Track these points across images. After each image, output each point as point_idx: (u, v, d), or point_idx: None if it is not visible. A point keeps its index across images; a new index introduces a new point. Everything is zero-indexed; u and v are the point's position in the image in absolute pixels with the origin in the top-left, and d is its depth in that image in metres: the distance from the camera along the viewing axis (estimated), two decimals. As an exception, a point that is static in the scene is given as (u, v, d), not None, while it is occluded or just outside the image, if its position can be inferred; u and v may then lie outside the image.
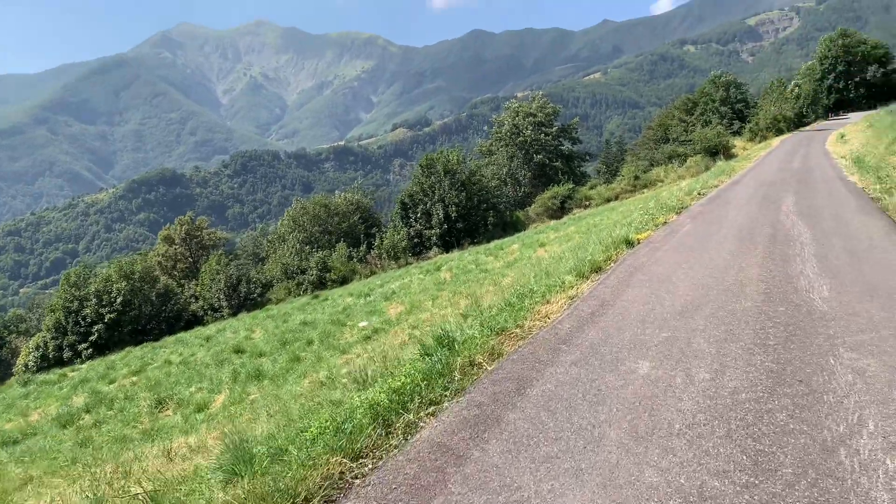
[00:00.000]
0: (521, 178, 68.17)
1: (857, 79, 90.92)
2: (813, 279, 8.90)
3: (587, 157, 78.13)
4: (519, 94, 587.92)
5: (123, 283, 45.89)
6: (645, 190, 52.80)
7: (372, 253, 53.01)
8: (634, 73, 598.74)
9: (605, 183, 68.88)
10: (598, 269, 11.16)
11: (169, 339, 32.38)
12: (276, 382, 12.83)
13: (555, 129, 68.55)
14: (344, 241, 55.57)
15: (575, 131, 71.96)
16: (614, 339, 7.14)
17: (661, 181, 53.00)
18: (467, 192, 53.22)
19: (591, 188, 61.64)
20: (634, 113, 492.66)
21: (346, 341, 15.26)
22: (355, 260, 52.34)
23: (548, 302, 8.94)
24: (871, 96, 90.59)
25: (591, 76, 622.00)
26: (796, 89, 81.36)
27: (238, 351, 19.01)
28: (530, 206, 60.98)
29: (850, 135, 45.02)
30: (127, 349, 32.03)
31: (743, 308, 7.87)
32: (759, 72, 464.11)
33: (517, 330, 7.74)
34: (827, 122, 79.84)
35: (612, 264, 11.56)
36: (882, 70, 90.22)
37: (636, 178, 54.75)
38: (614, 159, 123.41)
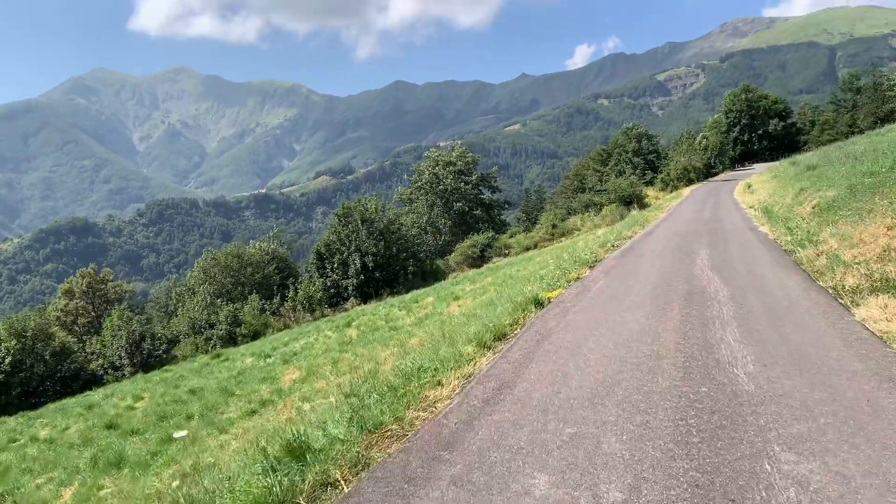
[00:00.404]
0: (441, 227, 67.48)
1: (760, 131, 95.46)
2: (735, 348, 7.93)
3: (507, 206, 78.38)
4: (441, 144, 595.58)
5: (13, 342, 42.11)
6: (563, 238, 52.81)
7: (286, 305, 50.87)
8: (552, 124, 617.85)
9: (524, 231, 68.88)
10: (502, 336, 9.98)
11: (50, 407, 29.32)
12: (137, 472, 10.95)
13: (475, 177, 68.55)
14: (257, 293, 53.17)
15: (494, 180, 72.20)
16: (509, 440, 5.80)
17: (578, 230, 53.19)
18: (386, 241, 51.93)
19: (511, 237, 61.44)
20: (553, 162, 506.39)
21: (229, 417, 13.48)
22: (268, 313, 50.05)
23: (439, 383, 7.60)
24: (774, 148, 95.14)
25: (511, 127, 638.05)
26: (704, 141, 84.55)
27: (110, 426, 16.81)
28: (451, 254, 60.18)
29: (757, 185, 46.31)
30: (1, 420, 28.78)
31: (660, 389, 6.74)
32: (668, 125, 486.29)
33: (395, 426, 6.30)
34: (734, 172, 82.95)
35: (519, 329, 10.39)
36: (782, 123, 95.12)
37: (554, 226, 54.81)
38: (534, 208, 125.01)
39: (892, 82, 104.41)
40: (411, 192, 70.74)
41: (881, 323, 8.28)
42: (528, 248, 52.73)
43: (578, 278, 14.76)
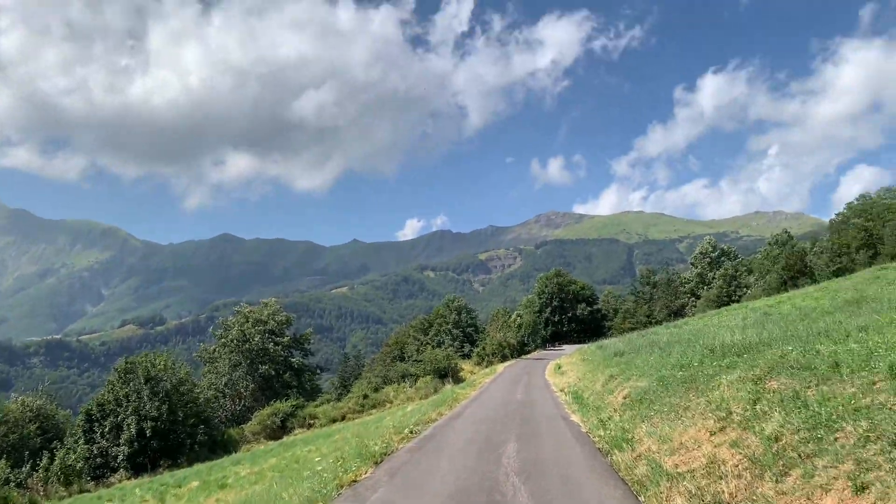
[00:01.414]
0: (243, 390, 61.58)
1: (570, 314, 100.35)
2: None
3: (319, 371, 74.08)
4: (263, 301, 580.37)
5: None
6: (373, 410, 49.41)
7: (36, 476, 42.33)
8: (380, 290, 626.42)
9: (335, 400, 64.62)
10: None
11: None
12: None
13: (286, 338, 64.29)
14: (6, 459, 43.95)
15: (308, 342, 68.28)
16: None
17: (391, 402, 50.14)
18: (172, 404, 45.65)
19: (319, 405, 57.03)
20: (378, 328, 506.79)
21: None
22: (13, 484, 41.09)
23: None
24: (581, 331, 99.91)
25: (339, 289, 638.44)
26: (518, 319, 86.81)
27: None
28: (249, 422, 54.37)
29: (567, 366, 46.42)
30: None
31: None
32: (488, 301, 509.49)
33: None
34: (545, 351, 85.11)
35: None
36: (589, 308, 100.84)
37: (365, 396, 51.48)
38: (351, 374, 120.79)
39: (681, 280, 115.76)
40: (214, 350, 64.83)
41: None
42: (334, 420, 48.62)
43: (355, 481, 11.63)
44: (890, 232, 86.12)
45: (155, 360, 47.35)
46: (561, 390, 30.18)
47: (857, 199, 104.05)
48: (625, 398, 19.50)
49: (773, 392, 11.39)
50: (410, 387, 52.69)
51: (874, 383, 9.58)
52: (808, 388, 10.56)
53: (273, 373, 61.58)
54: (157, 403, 44.39)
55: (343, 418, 48.66)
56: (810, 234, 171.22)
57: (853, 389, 9.62)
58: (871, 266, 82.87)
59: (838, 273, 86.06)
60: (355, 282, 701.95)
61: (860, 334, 13.36)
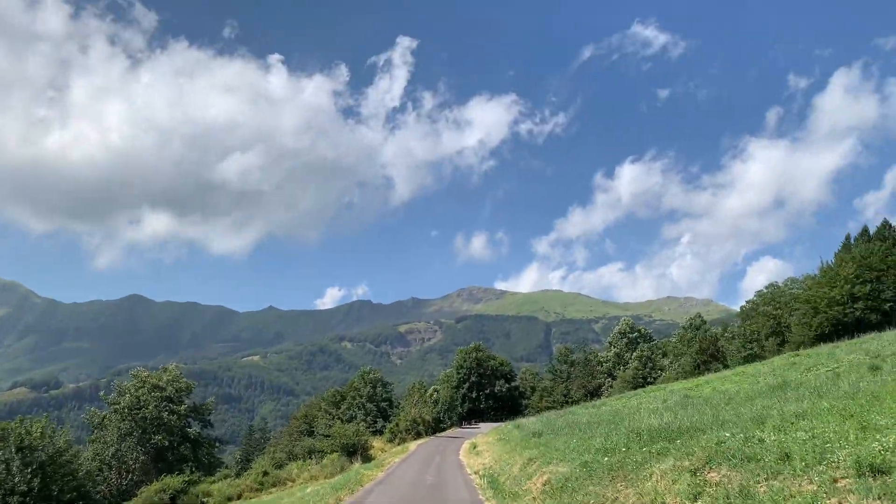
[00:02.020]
0: (132, 462, 56.33)
1: (487, 391, 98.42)
2: None
3: (218, 443, 69.11)
4: (170, 367, 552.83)
5: None
6: (273, 489, 45.76)
7: None
8: (294, 360, 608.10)
9: (235, 476, 60.08)
10: None
11: None
12: None
13: (184, 407, 59.68)
14: None
15: (209, 412, 63.75)
16: None
17: (293, 480, 46.59)
18: (45, 477, 40.85)
19: (215, 482, 52.67)
20: (289, 400, 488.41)
21: None
22: None
23: None
24: (498, 408, 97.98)
25: (251, 358, 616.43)
26: (435, 394, 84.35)
27: None
28: (134, 498, 49.39)
29: (482, 446, 44.40)
30: None
31: None
32: (405, 374, 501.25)
33: None
34: (461, 429, 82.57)
35: None
36: (507, 385, 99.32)
37: (265, 473, 47.68)
38: (256, 448, 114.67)
39: (599, 359, 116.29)
40: (105, 416, 59.55)
41: None
42: (230, 499, 44.62)
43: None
44: (797, 320, 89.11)
45: (31, 426, 42.60)
46: (475, 472, 28.19)
47: (766, 288, 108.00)
48: (544, 484, 17.79)
49: (716, 485, 9.96)
50: (316, 464, 49.31)
51: (835, 480, 8.27)
52: (758, 482, 9.17)
53: (167, 444, 56.71)
54: (27, 476, 39.58)
55: (240, 497, 44.74)
56: (718, 320, 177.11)
57: (812, 487, 8.29)
58: (779, 353, 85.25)
59: (749, 359, 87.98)
60: (269, 350, 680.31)
61: (802, 422, 12.27)
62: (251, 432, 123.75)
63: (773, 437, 10.93)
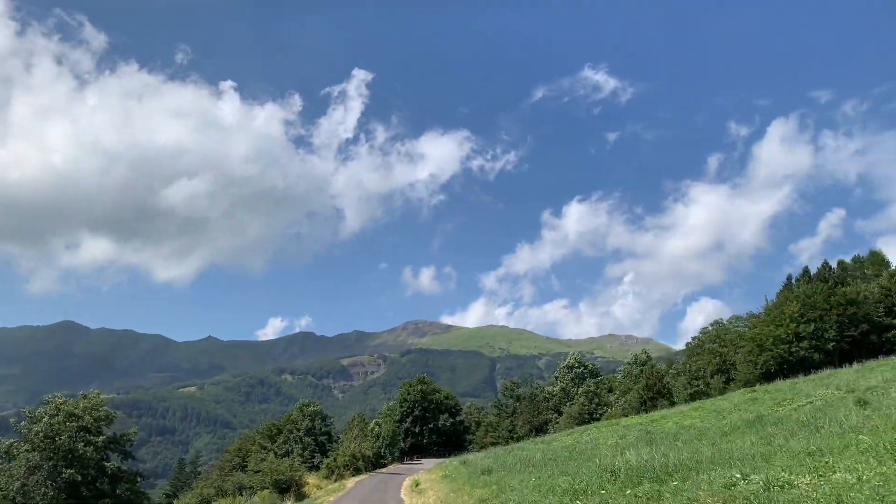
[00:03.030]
0: (39, 498, 51.16)
1: (431, 425, 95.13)
2: None
3: (141, 478, 63.85)
4: (103, 397, 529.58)
5: None
6: (195, 530, 41.64)
7: None
8: (231, 392, 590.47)
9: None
10: None
11: None
12: None
13: (102, 438, 54.79)
14: None
15: (130, 444, 58.81)
16: None
17: (217, 521, 42.60)
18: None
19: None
20: (226, 433, 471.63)
21: None
22: None
23: None
24: (442, 443, 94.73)
25: (187, 389, 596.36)
26: (377, 428, 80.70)
27: None
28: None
29: (425, 483, 41.40)
30: None
31: None
32: (347, 409, 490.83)
33: None
34: (403, 465, 79.08)
35: None
36: (451, 420, 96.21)
37: (187, 513, 43.52)
38: (185, 483, 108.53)
39: (545, 395, 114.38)
40: (12, 445, 54.29)
41: None
42: (145, 541, 40.34)
43: None
44: (742, 358, 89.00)
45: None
46: (419, 514, 25.32)
47: (711, 326, 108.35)
48: (502, 532, 15.20)
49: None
50: (246, 501, 45.36)
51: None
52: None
53: (80, 478, 51.71)
54: None
55: (156, 539, 40.51)
56: (659, 358, 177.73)
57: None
58: (724, 391, 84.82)
59: (695, 396, 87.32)
60: (206, 381, 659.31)
61: (824, 460, 10.06)
62: (181, 466, 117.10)
63: (806, 480, 8.61)
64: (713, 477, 10.66)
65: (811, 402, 26.65)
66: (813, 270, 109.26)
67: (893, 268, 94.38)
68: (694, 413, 35.22)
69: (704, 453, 14.71)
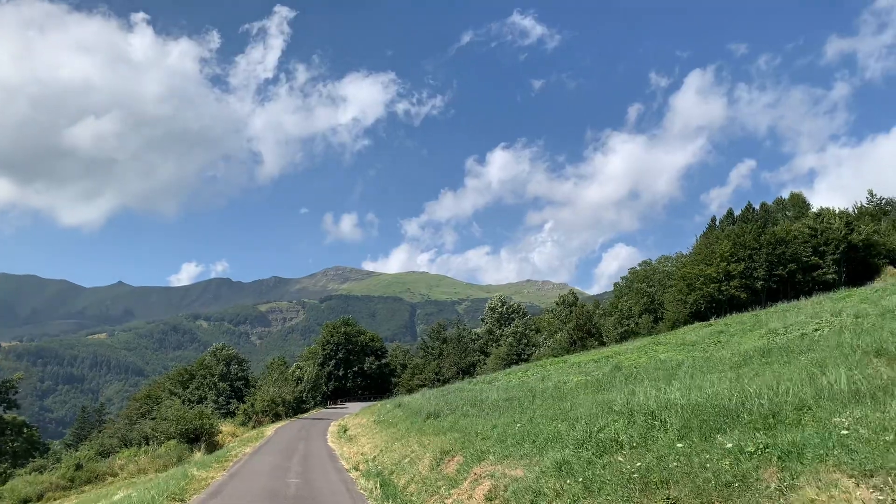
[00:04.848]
0: None
1: (356, 368, 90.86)
2: None
3: (28, 427, 57.02)
4: (4, 345, 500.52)
5: None
6: (87, 486, 36.14)
7: None
8: (144, 339, 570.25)
9: (50, 469, 48.96)
10: None
11: None
12: None
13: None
14: None
15: (14, 391, 51.98)
16: None
17: (115, 475, 37.12)
18: None
19: (18, 477, 41.97)
20: (138, 380, 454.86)
21: None
22: None
23: None
24: (367, 387, 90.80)
25: (96, 335, 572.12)
26: (298, 371, 75.73)
27: None
28: None
29: (355, 429, 37.13)
30: None
31: None
32: (265, 355, 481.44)
33: None
34: (326, 410, 74.88)
35: None
36: (377, 362, 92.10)
37: (78, 467, 37.78)
38: (90, 432, 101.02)
39: (472, 336, 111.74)
40: None
41: None
42: (27, 501, 34.57)
43: None
44: (671, 297, 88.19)
45: None
46: (355, 468, 20.82)
47: (639, 265, 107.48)
48: (490, 498, 10.78)
49: None
50: (146, 454, 39.95)
51: None
52: None
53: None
54: None
55: (40, 498, 34.80)
56: (584, 300, 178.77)
57: None
58: (652, 330, 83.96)
59: (625, 335, 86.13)
60: (116, 328, 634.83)
61: None
62: (83, 413, 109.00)
63: None
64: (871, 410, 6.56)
65: (811, 330, 23.50)
66: (733, 215, 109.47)
67: (819, 207, 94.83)
68: (657, 347, 31.91)
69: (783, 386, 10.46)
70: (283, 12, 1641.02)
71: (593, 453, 9.75)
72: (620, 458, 8.99)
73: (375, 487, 15.27)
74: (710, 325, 41.40)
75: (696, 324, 50.19)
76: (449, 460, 14.27)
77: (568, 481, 9.23)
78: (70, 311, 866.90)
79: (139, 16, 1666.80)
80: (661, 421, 9.72)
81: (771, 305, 60.05)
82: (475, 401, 24.59)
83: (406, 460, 17.44)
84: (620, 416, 10.83)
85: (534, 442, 11.92)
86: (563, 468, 9.75)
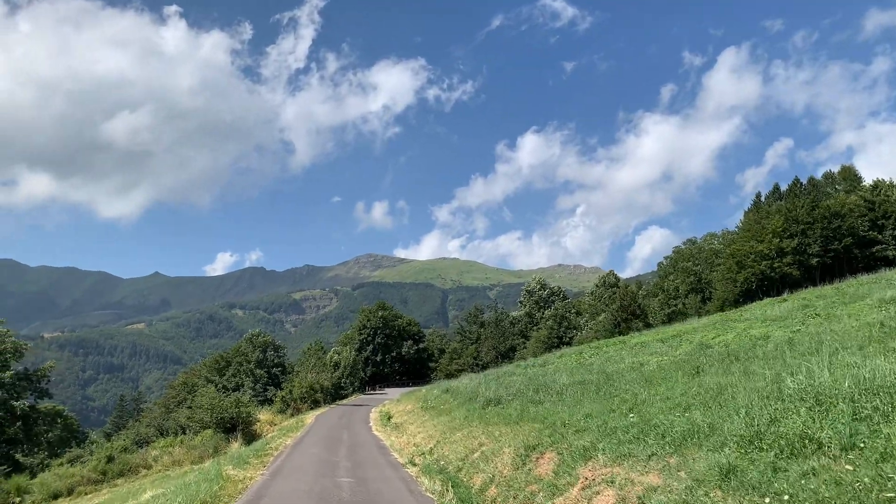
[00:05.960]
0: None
1: (394, 353, 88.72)
2: None
3: (62, 417, 55.57)
4: (47, 336, 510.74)
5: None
6: (120, 479, 34.23)
7: None
8: (181, 328, 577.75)
9: (79, 461, 47.38)
10: None
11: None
12: None
13: (9, 374, 46.34)
14: None
15: (46, 380, 50.48)
16: None
17: (148, 468, 35.16)
18: None
19: (49, 471, 40.33)
20: (176, 369, 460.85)
21: None
22: None
23: None
24: (405, 372, 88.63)
25: (135, 325, 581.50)
26: (336, 356, 73.66)
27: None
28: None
29: (399, 416, 34.68)
30: None
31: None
32: (300, 342, 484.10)
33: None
34: (364, 396, 72.88)
35: None
36: (416, 347, 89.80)
37: (110, 459, 35.92)
38: (128, 419, 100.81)
39: (511, 320, 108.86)
40: None
41: None
42: (57, 496, 32.79)
43: None
44: (720, 276, 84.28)
45: None
46: (411, 462, 18.20)
47: (683, 244, 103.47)
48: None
49: None
50: (181, 444, 38.00)
51: None
52: None
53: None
54: None
55: (70, 492, 32.98)
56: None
57: None
58: (701, 310, 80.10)
59: (672, 316, 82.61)
60: (154, 318, 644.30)
61: None
62: (121, 402, 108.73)
63: None
64: None
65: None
66: (779, 190, 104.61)
67: (874, 179, 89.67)
68: (736, 325, 28.59)
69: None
70: (313, 2, 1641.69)
71: (776, 456, 6.93)
72: (835, 466, 6.16)
73: (446, 490, 12.60)
74: (785, 300, 37.95)
75: (766, 299, 46.69)
76: (538, 458, 11.54)
77: (748, 497, 6.44)
78: (109, 302, 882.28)
79: (171, 9, 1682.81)
80: (874, 409, 6.87)
81: (827, 283, 56.16)
82: (539, 385, 21.84)
83: (476, 455, 14.76)
84: (799, 403, 7.96)
85: (663, 437, 9.12)
86: (730, 476, 6.97)
